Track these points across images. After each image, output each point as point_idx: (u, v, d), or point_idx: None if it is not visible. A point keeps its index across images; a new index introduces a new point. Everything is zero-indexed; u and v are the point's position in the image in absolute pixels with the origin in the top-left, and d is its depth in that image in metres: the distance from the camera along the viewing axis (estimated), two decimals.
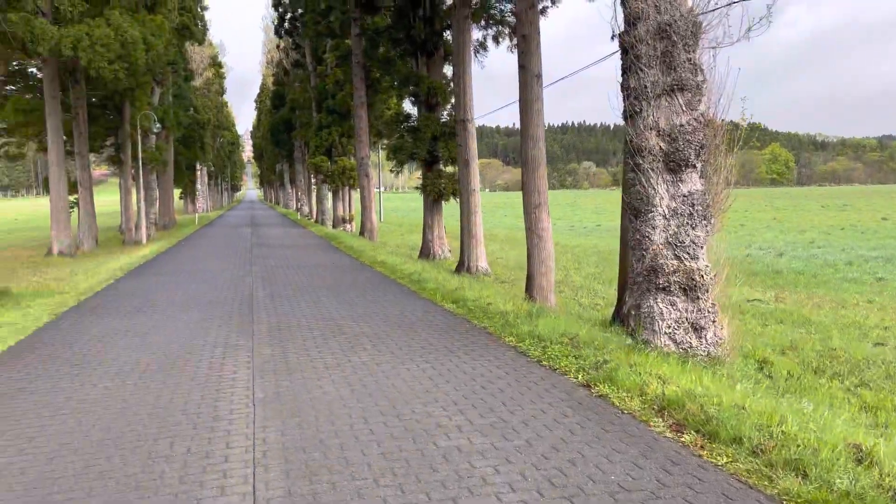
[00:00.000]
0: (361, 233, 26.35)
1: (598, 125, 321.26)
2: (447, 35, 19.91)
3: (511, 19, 20.95)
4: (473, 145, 16.56)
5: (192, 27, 40.22)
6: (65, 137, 27.45)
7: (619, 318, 10.23)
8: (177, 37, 39.83)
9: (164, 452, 4.50)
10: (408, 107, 32.83)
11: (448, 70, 20.54)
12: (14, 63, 28.08)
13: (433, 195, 19.53)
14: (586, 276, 18.17)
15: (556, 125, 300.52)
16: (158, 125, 31.66)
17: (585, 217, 56.53)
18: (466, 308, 9.75)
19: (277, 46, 55.94)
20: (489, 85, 45.05)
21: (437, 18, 19.29)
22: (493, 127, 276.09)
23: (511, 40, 21.24)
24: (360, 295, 11.59)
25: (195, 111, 56.80)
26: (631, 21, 7.18)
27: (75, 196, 29.41)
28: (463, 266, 16.51)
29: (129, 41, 22.34)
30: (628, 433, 4.82)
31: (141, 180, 31.86)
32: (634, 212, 7.22)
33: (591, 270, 19.53)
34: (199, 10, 42.08)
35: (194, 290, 12.48)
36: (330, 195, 41.62)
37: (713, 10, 7.36)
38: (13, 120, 25.49)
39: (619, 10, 7.56)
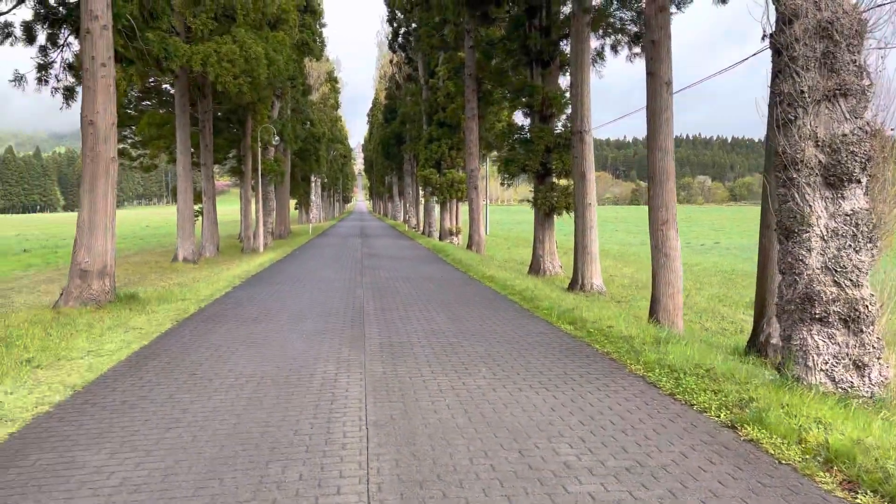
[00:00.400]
0: (469, 246, 26.12)
1: (714, 138, 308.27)
2: (563, 45, 19.37)
3: (631, 28, 20.17)
4: (590, 157, 15.92)
5: (310, 43, 41.75)
6: (192, 150, 29.04)
7: (756, 347, 9.33)
8: (296, 53, 41.45)
9: (276, 478, 4.27)
10: (518, 118, 32.51)
11: (563, 81, 20.00)
12: (150, 80, 30.00)
13: (545, 209, 18.97)
14: (709, 298, 17.02)
15: None
16: (277, 138, 32.91)
17: (702, 234, 53.90)
18: (585, 330, 9.16)
19: (390, 61, 57.19)
20: (597, 97, 43.83)
21: (555, 28, 18.80)
22: (603, 139, 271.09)
23: (630, 49, 20.44)
24: (471, 311, 11.23)
25: (311, 125, 58.95)
26: (786, 19, 6.43)
27: (200, 205, 31.02)
28: (576, 283, 15.85)
29: (253, 57, 23.27)
30: (792, 489, 4.15)
31: (260, 191, 33.19)
32: (785, 231, 6.44)
33: (713, 291, 18.30)
34: (317, 27, 43.69)
35: (307, 300, 12.56)
36: (437, 207, 41.85)
37: (882, 6, 6.51)
38: (147, 133, 27.18)
39: (771, 7, 6.82)
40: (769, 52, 6.94)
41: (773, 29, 6.75)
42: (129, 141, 32.24)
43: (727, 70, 13.64)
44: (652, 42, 10.19)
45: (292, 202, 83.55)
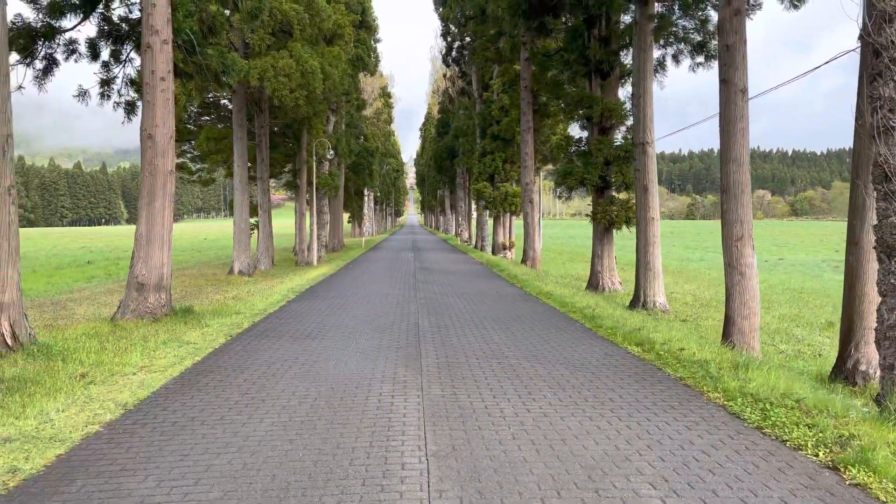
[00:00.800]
0: (523, 261, 25.61)
1: (775, 151, 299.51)
2: (623, 56, 18.83)
3: (694, 37, 19.52)
4: (653, 170, 15.31)
5: (365, 58, 42.08)
6: (248, 164, 29.45)
7: (843, 374, 8.62)
8: (351, 68, 41.81)
9: None
10: (574, 131, 31.97)
11: (622, 92, 19.42)
12: (209, 95, 30.62)
13: (604, 223, 18.37)
14: (780, 318, 16.11)
15: None
16: (332, 152, 33.13)
17: (764, 249, 51.98)
18: (654, 353, 8.61)
19: (444, 76, 57.32)
20: (655, 108, 42.80)
21: (614, 37, 18.29)
22: (657, 153, 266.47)
23: (693, 58, 19.76)
24: (530, 330, 10.78)
25: (365, 139, 59.50)
26: (886, 18, 5.86)
27: (256, 219, 31.38)
28: (638, 301, 15.21)
29: (309, 71, 23.41)
30: None
31: (314, 204, 33.42)
32: (888, 249, 5.83)
33: (783, 311, 17.35)
34: (372, 42, 44.08)
35: (361, 316, 12.31)
36: (490, 221, 41.44)
37: None
38: (205, 147, 27.65)
39: (864, 6, 6.25)
40: (851, 57, 6.37)
41: (868, 29, 6.17)
42: (189, 155, 32.93)
43: (802, 76, 12.92)
44: (726, 47, 9.61)
45: (346, 215, 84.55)
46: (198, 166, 34.38)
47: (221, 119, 31.68)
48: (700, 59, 19.77)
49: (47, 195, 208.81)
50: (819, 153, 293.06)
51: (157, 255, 12.38)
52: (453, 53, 45.08)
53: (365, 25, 43.00)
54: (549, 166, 33.16)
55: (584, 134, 20.86)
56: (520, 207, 33.81)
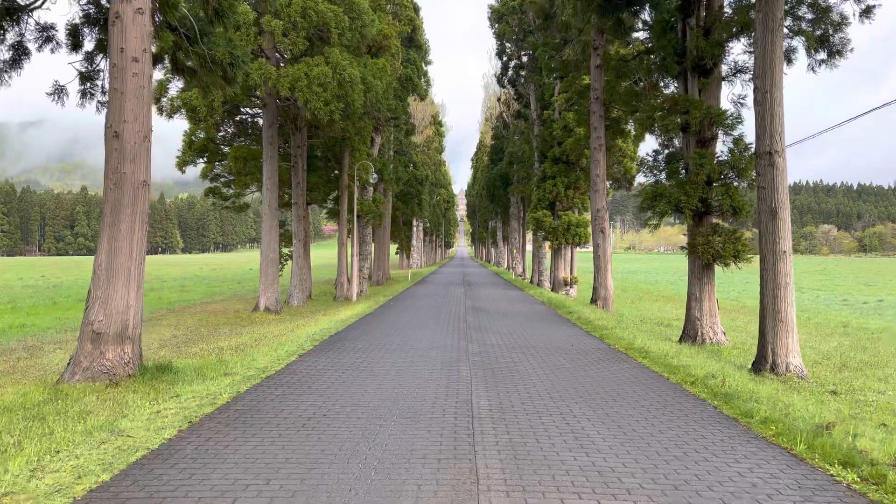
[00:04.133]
0: (593, 300, 21.79)
1: (839, 184, 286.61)
2: (728, 49, 15.17)
3: (813, 29, 15.77)
4: (784, 188, 11.50)
5: (415, 79, 39.32)
6: (289, 191, 26.55)
7: None
8: (400, 88, 39.05)
9: None
10: (645, 149, 28.00)
11: (725, 95, 15.67)
12: (244, 111, 28.04)
13: (706, 257, 14.51)
14: None
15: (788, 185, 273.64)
16: (375, 176, 30.13)
17: (853, 289, 46.59)
18: (857, 472, 4.84)
19: (498, 99, 54.28)
20: None
21: (718, 25, 14.65)
22: None
23: (812, 55, 15.97)
24: (645, 420, 7.07)
25: (415, 167, 56.74)
26: None
27: (290, 248, 28.41)
28: (764, 362, 11.30)
29: (347, 80, 20.41)
30: None
31: (355, 234, 30.33)
32: None
33: None
34: (422, 64, 41.32)
35: (390, 385, 8.79)
36: (548, 254, 37.70)
37: None
38: (234, 167, 24.94)
39: None
40: None
41: None
42: (223, 179, 30.25)
43: (874, 111, 9.05)
44: None
45: (393, 247, 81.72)
46: (233, 191, 31.70)
47: (257, 140, 29.02)
48: (822, 55, 15.97)
49: None
50: (887, 187, 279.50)
51: (122, 294, 9.17)
52: (509, 73, 41.97)
53: (415, 44, 40.37)
54: (625, 190, 29.32)
55: (659, 149, 17.14)
56: (584, 238, 30.03)
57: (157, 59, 12.98)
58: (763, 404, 7.35)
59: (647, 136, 27.80)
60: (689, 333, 15.21)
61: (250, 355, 11.12)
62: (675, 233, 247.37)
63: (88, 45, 12.31)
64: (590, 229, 31.61)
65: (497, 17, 39.24)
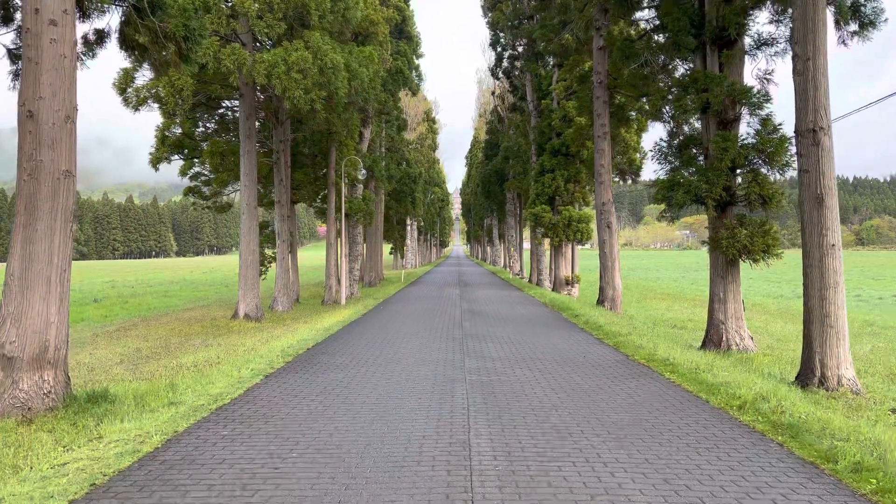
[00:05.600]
0: (600, 301, 20.14)
1: (835, 178, 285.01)
2: (751, 18, 13.52)
3: None
4: (831, 172, 9.87)
5: (405, 72, 37.63)
6: (273, 189, 24.80)
7: None
8: (390, 81, 37.32)
9: None
10: (648, 140, 26.38)
11: (746, 71, 14.02)
12: (226, 109, 26.31)
13: (731, 252, 12.85)
14: None
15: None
16: (364, 172, 28.43)
17: (863, 283, 45.08)
18: None
19: (493, 93, 52.60)
20: None
21: None
22: None
23: (842, 26, 14.35)
24: (690, 463, 5.41)
25: (408, 164, 55.07)
26: None
27: (273, 250, 26.74)
28: (811, 374, 9.66)
29: (329, 66, 18.70)
30: None
31: (344, 233, 28.62)
32: None
33: None
34: (413, 56, 39.55)
35: (368, 418, 7.11)
36: (547, 252, 36.05)
37: None
38: (210, 163, 23.22)
39: None
40: None
41: None
42: (203, 178, 28.44)
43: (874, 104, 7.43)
44: None
45: (387, 247, 79.98)
46: (214, 189, 29.84)
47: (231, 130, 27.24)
48: (853, 26, 14.34)
49: (100, 228, 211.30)
50: (882, 180, 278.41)
51: (39, 309, 7.49)
52: (504, 64, 40.25)
53: (405, 35, 38.62)
54: (630, 181, 27.65)
55: (668, 135, 15.49)
56: (587, 235, 28.39)
57: (102, 36, 11.42)
58: (845, 441, 5.70)
59: (650, 127, 26.16)
60: (713, 339, 13.56)
61: (209, 376, 9.44)
62: (671, 229, 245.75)
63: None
64: (592, 225, 29.98)
65: (490, 4, 37.56)
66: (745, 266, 13.89)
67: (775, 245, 12.82)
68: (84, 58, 10.86)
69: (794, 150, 12.68)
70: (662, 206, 14.33)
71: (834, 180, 9.95)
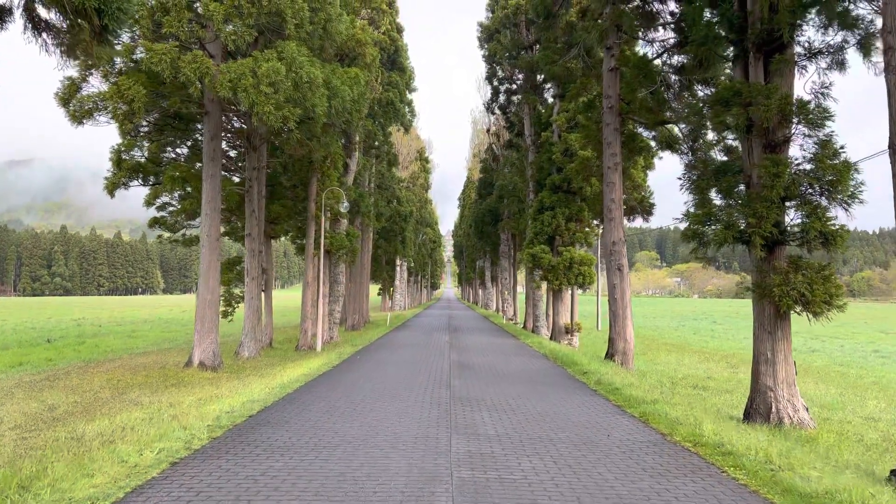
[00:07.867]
0: (609, 354, 17.54)
1: None
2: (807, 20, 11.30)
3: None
4: None
5: (397, 104, 35.65)
6: (250, 224, 22.18)
7: None
8: (381, 113, 35.20)
9: None
10: (654, 177, 24.14)
11: (797, 85, 11.73)
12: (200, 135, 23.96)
13: (786, 302, 10.36)
14: None
15: None
16: (347, 204, 25.99)
17: (874, 337, 42.62)
18: None
19: (487, 131, 50.69)
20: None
21: None
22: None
23: None
24: None
25: (398, 202, 52.86)
26: None
27: (241, 289, 24.11)
28: None
29: (306, 80, 16.42)
30: None
31: (322, 272, 26.03)
32: None
33: None
34: (405, 89, 37.58)
35: None
36: (544, 296, 33.52)
37: None
38: (170, 189, 20.77)
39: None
40: None
41: None
42: (171, 209, 25.90)
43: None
44: None
45: (375, 288, 77.15)
46: (197, 222, 27.25)
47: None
48: None
49: (85, 264, 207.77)
50: (871, 232, 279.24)
51: None
52: (500, 99, 38.36)
53: (398, 67, 36.75)
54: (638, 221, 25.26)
55: (681, 167, 13.14)
56: (589, 279, 25.91)
57: (2, 12, 9.05)
58: None
59: (656, 163, 23.91)
60: (759, 409, 10.95)
61: (96, 461, 6.76)
62: (662, 276, 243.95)
63: None
64: (593, 268, 27.56)
65: (487, 35, 35.79)
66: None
67: (839, 294, 10.36)
68: None
69: (858, 178, 10.39)
70: (693, 245, 11.88)
71: None
